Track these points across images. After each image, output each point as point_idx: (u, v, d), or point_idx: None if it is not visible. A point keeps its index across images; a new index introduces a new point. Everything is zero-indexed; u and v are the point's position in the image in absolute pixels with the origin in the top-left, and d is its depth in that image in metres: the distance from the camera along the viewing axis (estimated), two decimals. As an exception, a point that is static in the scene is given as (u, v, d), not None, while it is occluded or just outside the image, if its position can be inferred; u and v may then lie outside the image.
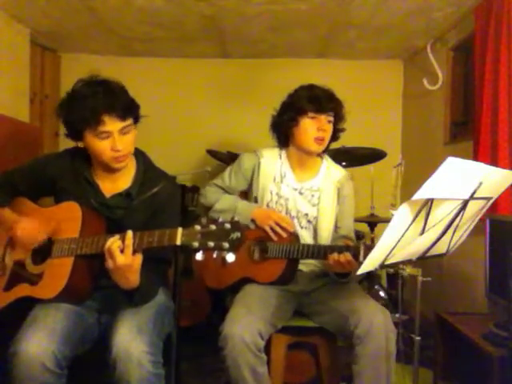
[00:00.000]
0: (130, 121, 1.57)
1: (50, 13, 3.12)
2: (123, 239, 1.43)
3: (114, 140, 1.54)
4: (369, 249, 1.65)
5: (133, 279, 1.47)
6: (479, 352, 1.90)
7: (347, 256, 1.68)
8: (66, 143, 1.70)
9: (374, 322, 1.67)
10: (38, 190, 1.74)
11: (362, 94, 4.03)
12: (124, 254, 1.41)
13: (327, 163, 2.07)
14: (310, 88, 1.98)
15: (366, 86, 4.06)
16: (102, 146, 1.56)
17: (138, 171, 1.70)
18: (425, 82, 3.54)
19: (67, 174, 1.68)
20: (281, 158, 2.05)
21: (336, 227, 2.01)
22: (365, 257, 1.63)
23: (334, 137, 2.03)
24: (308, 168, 2.04)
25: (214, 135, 4.06)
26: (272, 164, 2.03)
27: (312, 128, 1.92)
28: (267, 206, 2.00)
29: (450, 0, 2.80)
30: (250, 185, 2.06)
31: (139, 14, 3.12)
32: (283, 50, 3.85)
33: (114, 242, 1.43)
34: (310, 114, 1.92)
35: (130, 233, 1.43)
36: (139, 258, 1.44)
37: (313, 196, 2.00)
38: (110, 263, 1.43)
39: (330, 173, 2.04)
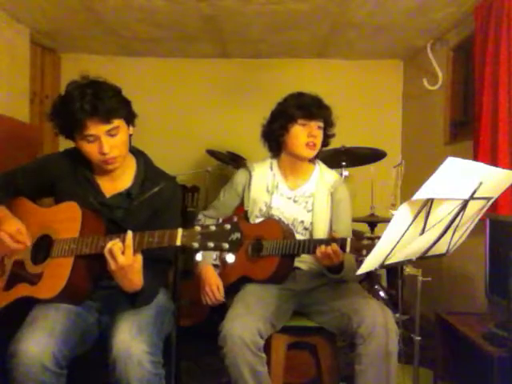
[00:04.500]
0: (117, 122, 1.55)
1: (49, 13, 3.13)
2: (123, 240, 1.43)
3: (100, 143, 1.53)
4: (357, 240, 1.65)
5: (136, 281, 1.47)
6: (479, 352, 1.90)
7: (333, 246, 1.68)
8: (66, 143, 1.69)
9: (377, 322, 1.67)
10: (37, 190, 1.73)
11: (362, 94, 4.04)
12: (125, 255, 1.41)
13: (320, 168, 2.08)
14: (299, 96, 1.99)
15: (366, 86, 4.06)
16: (90, 149, 1.56)
17: (139, 171, 1.70)
18: (425, 81, 3.54)
19: (67, 175, 1.68)
20: (272, 169, 2.07)
21: (332, 231, 1.99)
22: (352, 248, 1.65)
23: (325, 143, 2.05)
24: (300, 174, 2.05)
25: (214, 135, 4.07)
26: (263, 176, 2.05)
27: (303, 134, 1.94)
28: (261, 216, 2.02)
29: (450, 0, 2.80)
30: (242, 199, 2.09)
31: (139, 14, 3.12)
32: (283, 49, 3.86)
33: (114, 244, 1.42)
34: (300, 121, 1.94)
35: (129, 233, 1.43)
36: (139, 257, 1.44)
37: (307, 202, 2.01)
38: (111, 265, 1.42)
39: (323, 177, 2.04)
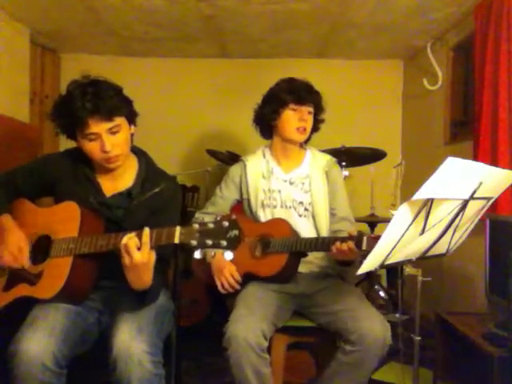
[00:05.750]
0: (119, 120, 1.56)
1: (50, 13, 3.13)
2: (140, 236, 1.41)
3: (102, 141, 1.54)
4: (373, 239, 1.65)
5: (147, 279, 1.46)
6: (479, 352, 1.90)
7: (350, 244, 1.69)
8: (66, 143, 1.70)
9: (372, 334, 1.65)
10: (38, 190, 1.73)
11: (362, 93, 4.03)
12: (141, 252, 1.39)
13: (311, 152, 2.13)
14: (290, 81, 2.05)
15: (366, 85, 4.06)
16: (92, 148, 1.56)
17: (140, 171, 1.70)
18: (425, 82, 3.54)
19: (67, 175, 1.68)
20: (265, 156, 2.12)
21: (332, 210, 2.03)
22: (368, 246, 1.64)
23: (315, 127, 2.09)
24: (293, 158, 2.09)
25: (214, 135, 4.07)
26: (258, 164, 2.10)
27: (293, 119, 1.99)
28: (262, 204, 2.04)
29: (450, 0, 2.80)
30: (240, 190, 2.11)
31: (139, 14, 3.12)
32: (283, 50, 3.86)
33: (130, 239, 1.40)
34: (291, 106, 1.99)
35: (146, 229, 1.41)
36: (154, 255, 1.43)
37: (303, 184, 2.05)
38: (126, 260, 1.40)
39: (316, 159, 2.10)
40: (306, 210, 2.03)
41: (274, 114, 2.02)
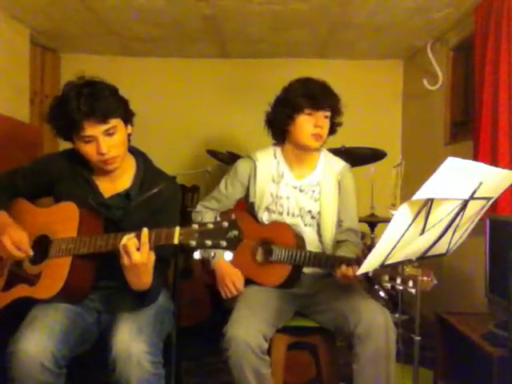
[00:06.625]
0: (114, 121, 1.54)
1: (50, 13, 3.13)
2: (138, 237, 1.40)
3: (98, 143, 1.53)
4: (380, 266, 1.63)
5: (146, 280, 1.46)
6: (479, 352, 1.90)
7: (356, 269, 1.65)
8: (66, 143, 1.69)
9: (374, 322, 1.66)
10: (38, 190, 1.73)
11: (362, 93, 4.03)
12: (140, 252, 1.39)
13: (325, 156, 2.04)
14: (306, 82, 1.94)
15: (366, 85, 4.06)
16: (88, 150, 1.55)
17: (138, 172, 1.69)
18: (425, 82, 3.54)
19: (66, 175, 1.67)
20: (276, 157, 2.01)
21: (339, 220, 1.98)
22: (374, 271, 1.56)
23: (332, 130, 1.99)
24: (306, 163, 2.00)
25: (214, 135, 4.07)
26: (268, 165, 1.99)
27: (308, 124, 1.88)
28: (267, 209, 1.97)
29: (450, 0, 2.80)
30: (247, 190, 2.02)
31: (139, 14, 3.12)
32: (283, 49, 3.86)
33: (130, 239, 1.40)
34: (307, 111, 1.88)
35: (145, 230, 1.40)
36: (153, 256, 1.43)
37: (314, 192, 1.97)
38: (125, 260, 1.40)
39: (330, 165, 2.00)
40: (312, 218, 1.96)
41: (288, 119, 1.90)
